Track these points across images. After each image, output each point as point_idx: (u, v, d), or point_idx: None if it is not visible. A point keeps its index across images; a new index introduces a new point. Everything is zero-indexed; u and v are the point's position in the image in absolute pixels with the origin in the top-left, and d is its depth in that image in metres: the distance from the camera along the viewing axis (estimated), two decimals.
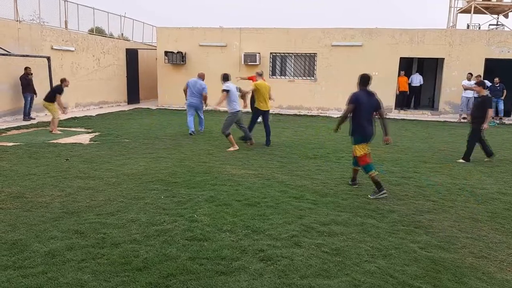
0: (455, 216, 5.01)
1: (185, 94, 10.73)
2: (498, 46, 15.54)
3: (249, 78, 12.57)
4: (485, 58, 15.62)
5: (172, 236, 4.15)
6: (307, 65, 17.08)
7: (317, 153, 8.62)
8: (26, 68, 12.40)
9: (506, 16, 20.92)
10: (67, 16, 15.53)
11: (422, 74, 17.89)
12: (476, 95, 8.57)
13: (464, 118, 15.13)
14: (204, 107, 10.96)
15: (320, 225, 4.55)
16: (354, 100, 5.77)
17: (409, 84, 17.13)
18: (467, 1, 19.72)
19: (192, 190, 5.74)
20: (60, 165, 7.01)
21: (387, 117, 15.40)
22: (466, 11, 20.22)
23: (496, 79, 15.15)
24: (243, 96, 9.52)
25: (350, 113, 5.83)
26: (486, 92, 8.29)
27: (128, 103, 18.64)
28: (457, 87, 15.61)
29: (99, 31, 18.62)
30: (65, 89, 10.66)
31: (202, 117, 11.07)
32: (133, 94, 19.03)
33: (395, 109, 16.69)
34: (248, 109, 10.53)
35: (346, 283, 3.36)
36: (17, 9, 12.93)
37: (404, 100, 17.12)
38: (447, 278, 3.49)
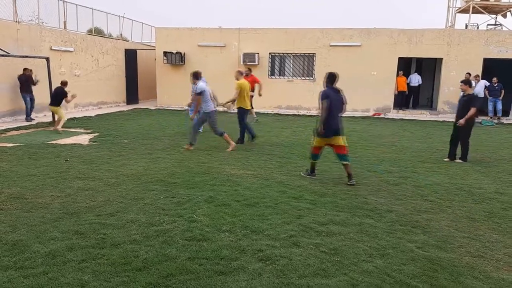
0: (453, 216, 5.04)
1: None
2: (497, 46, 15.58)
3: (246, 79, 12.47)
4: (484, 58, 15.66)
5: (171, 237, 4.18)
6: (305, 65, 17.10)
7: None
8: (25, 69, 12.42)
9: (504, 16, 20.95)
10: (66, 17, 15.55)
11: (421, 74, 17.92)
12: (462, 93, 8.49)
13: None
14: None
15: (318, 225, 4.59)
16: (326, 96, 6.15)
17: (408, 84, 17.17)
18: (466, 1, 19.76)
19: (191, 190, 5.77)
20: (59, 166, 7.04)
21: (385, 117, 15.62)
22: (464, 11, 20.27)
23: (494, 79, 15.21)
24: (232, 101, 9.50)
25: (328, 109, 6.15)
26: (472, 91, 8.11)
27: (127, 104, 18.66)
28: (455, 87, 15.65)
29: (98, 32, 18.63)
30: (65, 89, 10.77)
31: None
32: (132, 95, 19.04)
33: (393, 109, 16.73)
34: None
35: (344, 282, 3.39)
36: (16, 10, 12.94)
37: (402, 100, 17.15)
38: (444, 277, 3.52)
